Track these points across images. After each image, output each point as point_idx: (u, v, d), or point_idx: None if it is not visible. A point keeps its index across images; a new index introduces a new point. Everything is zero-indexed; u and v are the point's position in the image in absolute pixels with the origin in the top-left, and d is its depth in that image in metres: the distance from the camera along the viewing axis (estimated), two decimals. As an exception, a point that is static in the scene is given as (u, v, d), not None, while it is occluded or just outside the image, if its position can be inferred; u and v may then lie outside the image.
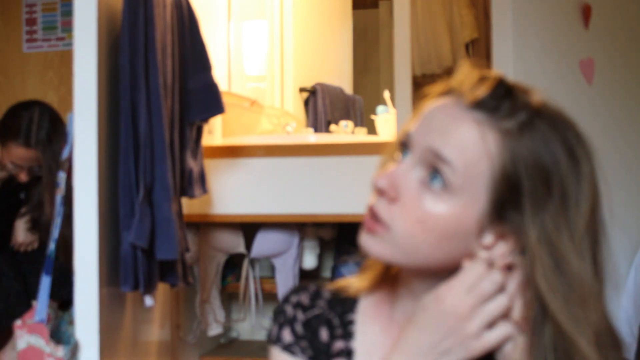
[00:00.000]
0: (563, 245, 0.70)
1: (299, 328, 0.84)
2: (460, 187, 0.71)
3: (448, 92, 0.76)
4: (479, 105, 0.72)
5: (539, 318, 0.70)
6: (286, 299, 0.87)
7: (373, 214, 0.75)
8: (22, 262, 2.22)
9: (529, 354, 0.70)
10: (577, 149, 0.72)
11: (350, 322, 0.84)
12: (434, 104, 0.75)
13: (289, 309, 0.85)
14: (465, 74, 0.76)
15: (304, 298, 0.86)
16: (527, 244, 0.70)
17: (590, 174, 0.72)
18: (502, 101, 0.72)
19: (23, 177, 2.13)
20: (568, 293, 0.69)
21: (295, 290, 0.88)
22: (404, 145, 0.76)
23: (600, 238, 0.72)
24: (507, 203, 0.72)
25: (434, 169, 0.72)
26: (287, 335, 0.84)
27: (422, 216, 0.72)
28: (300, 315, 0.84)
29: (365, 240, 0.76)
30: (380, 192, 0.74)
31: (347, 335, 0.83)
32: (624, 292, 2.50)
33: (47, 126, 2.09)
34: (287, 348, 0.83)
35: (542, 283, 0.69)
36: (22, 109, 2.12)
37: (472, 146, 0.71)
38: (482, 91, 0.73)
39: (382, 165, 0.80)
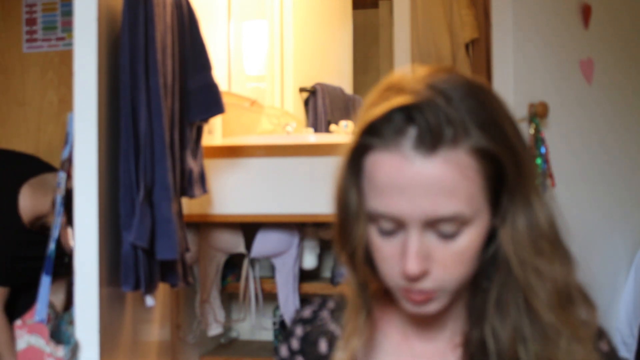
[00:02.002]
0: (535, 208, 0.74)
1: (294, 343, 0.88)
2: (470, 215, 0.71)
3: (382, 147, 0.71)
4: (423, 145, 0.69)
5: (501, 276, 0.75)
6: (294, 317, 0.91)
7: (420, 291, 0.74)
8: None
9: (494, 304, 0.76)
10: (491, 102, 0.73)
11: None
12: (385, 172, 0.71)
13: (291, 326, 0.90)
14: (367, 117, 0.73)
15: (307, 312, 0.90)
16: (507, 216, 0.74)
17: (509, 116, 0.74)
18: (433, 123, 0.69)
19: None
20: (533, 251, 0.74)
21: (303, 307, 0.92)
22: (392, 222, 0.72)
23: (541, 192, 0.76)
24: (500, 191, 0.74)
25: (442, 224, 0.71)
26: (283, 351, 0.89)
27: (458, 257, 0.73)
28: (299, 331, 0.89)
29: (421, 309, 0.75)
30: (418, 277, 0.72)
31: None
32: (623, 293, 2.51)
33: None
34: None
35: (510, 246, 0.74)
36: None
37: (456, 184, 0.69)
38: (412, 130, 0.69)
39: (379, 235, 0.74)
